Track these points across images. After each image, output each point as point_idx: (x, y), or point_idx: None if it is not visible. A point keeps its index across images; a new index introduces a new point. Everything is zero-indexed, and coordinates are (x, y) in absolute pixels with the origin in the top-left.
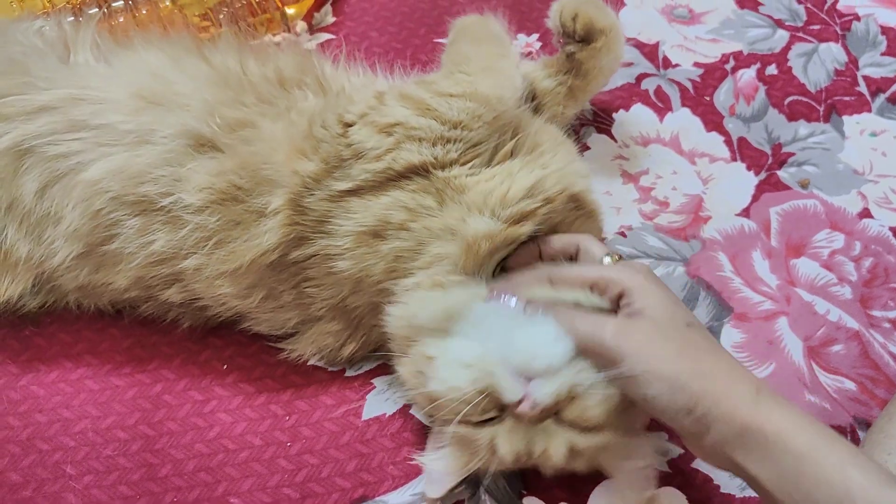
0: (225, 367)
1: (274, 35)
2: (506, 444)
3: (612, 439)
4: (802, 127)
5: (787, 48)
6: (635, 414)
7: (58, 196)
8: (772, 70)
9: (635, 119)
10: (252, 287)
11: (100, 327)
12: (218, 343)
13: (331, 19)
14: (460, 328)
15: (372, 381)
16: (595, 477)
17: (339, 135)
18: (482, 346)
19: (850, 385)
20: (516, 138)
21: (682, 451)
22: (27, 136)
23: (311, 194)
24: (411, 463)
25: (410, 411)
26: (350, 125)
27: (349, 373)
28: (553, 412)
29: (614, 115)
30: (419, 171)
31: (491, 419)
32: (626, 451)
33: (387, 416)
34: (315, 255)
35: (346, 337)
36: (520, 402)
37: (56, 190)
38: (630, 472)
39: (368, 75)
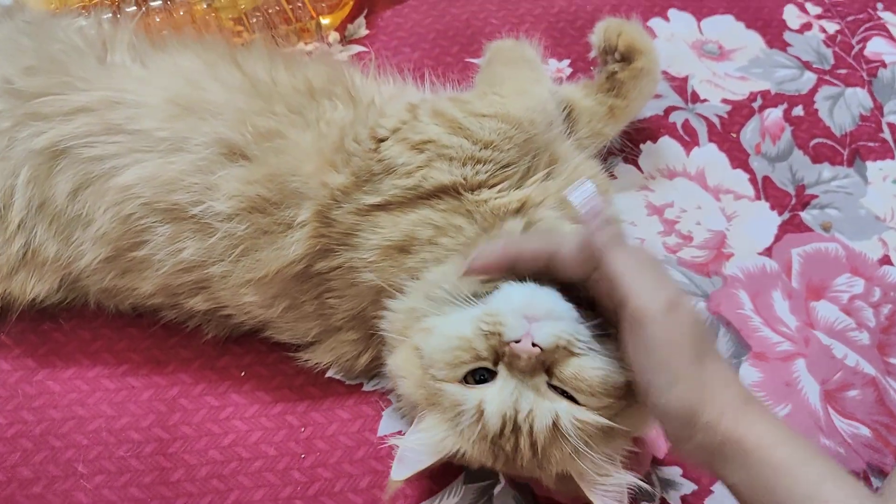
0: (243, 374)
1: (306, 44)
2: (494, 401)
3: (598, 422)
4: (826, 170)
5: (814, 90)
6: (621, 443)
7: (90, 199)
8: (798, 111)
9: (662, 151)
10: (276, 297)
11: (119, 326)
12: (237, 350)
13: (364, 32)
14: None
15: (389, 396)
16: None
17: (371, 150)
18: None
19: (865, 431)
20: (549, 165)
21: (696, 487)
22: (64, 136)
23: (339, 207)
24: (425, 482)
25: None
26: (382, 140)
27: (366, 387)
28: (548, 365)
29: (641, 145)
30: (449, 192)
31: (483, 379)
32: (606, 474)
33: (403, 433)
34: (339, 267)
35: (363, 347)
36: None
37: (89, 193)
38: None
39: (399, 85)
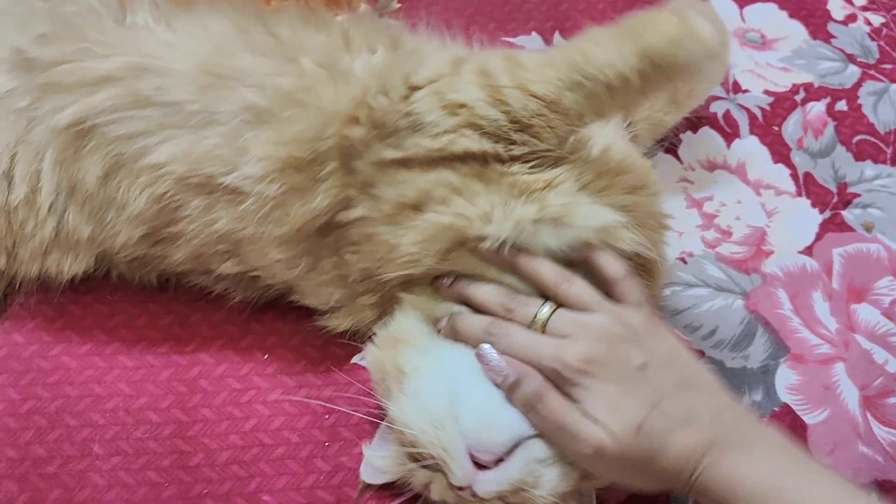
0: (266, 356)
1: (336, 15)
2: (437, 492)
3: None
4: (869, 168)
5: (857, 85)
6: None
7: (123, 182)
8: (841, 106)
9: (703, 142)
10: (300, 255)
11: (139, 300)
12: (260, 330)
13: (395, 5)
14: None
15: None
16: None
17: (402, 98)
18: (447, 393)
19: None
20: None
21: None
22: (89, 111)
23: (360, 157)
24: None
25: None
26: (416, 88)
27: None
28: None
29: (682, 135)
30: (476, 158)
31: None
32: None
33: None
34: (359, 219)
35: (381, 311)
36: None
37: (121, 176)
38: None
39: (448, 45)
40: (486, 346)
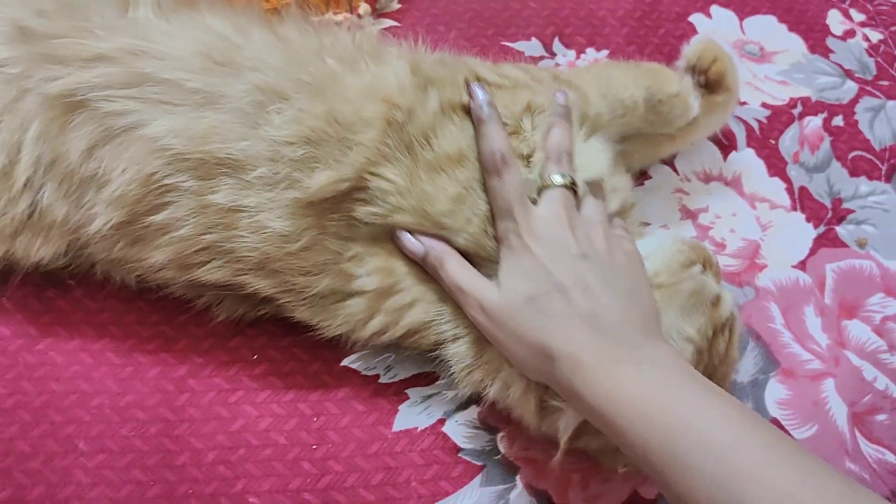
0: (255, 357)
1: (335, 14)
2: None
3: None
4: (864, 184)
5: (854, 100)
6: None
7: (108, 157)
8: (838, 121)
9: (699, 153)
10: (301, 230)
11: (128, 297)
12: (250, 331)
13: (396, 5)
14: None
15: (406, 391)
16: None
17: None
18: None
19: (892, 458)
20: None
21: None
22: (81, 84)
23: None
24: (440, 483)
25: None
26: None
27: (383, 379)
28: None
29: None
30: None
31: None
32: None
33: (418, 430)
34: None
35: (373, 311)
36: None
37: (107, 150)
38: None
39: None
40: (402, 233)
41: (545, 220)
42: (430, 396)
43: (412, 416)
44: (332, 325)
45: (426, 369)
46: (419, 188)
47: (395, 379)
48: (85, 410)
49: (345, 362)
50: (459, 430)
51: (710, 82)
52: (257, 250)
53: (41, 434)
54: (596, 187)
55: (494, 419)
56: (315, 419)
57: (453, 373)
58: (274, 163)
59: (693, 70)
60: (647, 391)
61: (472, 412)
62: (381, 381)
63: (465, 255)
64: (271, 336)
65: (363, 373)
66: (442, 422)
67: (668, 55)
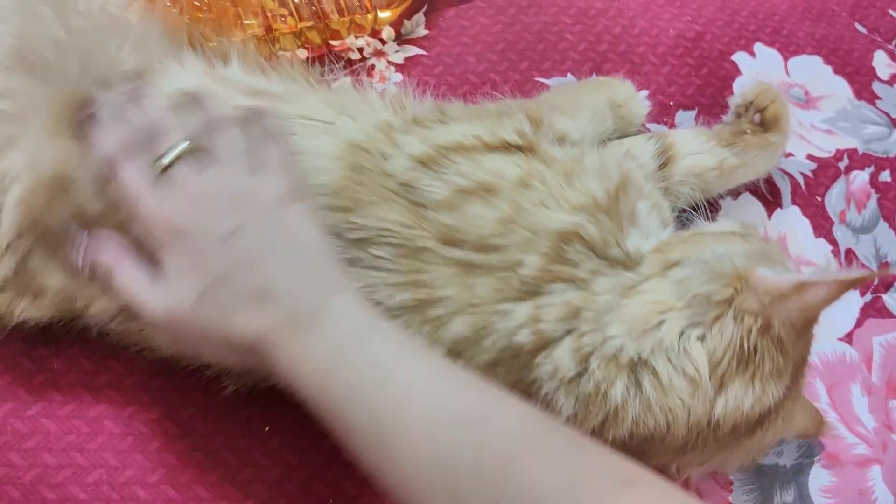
0: (267, 429)
1: (357, 38)
2: None
3: None
4: None
5: None
6: None
7: None
8: (885, 177)
9: (744, 210)
10: None
11: (128, 357)
12: (262, 399)
13: (422, 31)
14: None
15: None
16: None
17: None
18: None
19: None
20: None
21: None
22: None
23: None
24: None
25: None
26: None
27: None
28: None
29: (721, 201)
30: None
31: None
32: None
33: None
34: None
35: None
36: None
37: None
38: None
39: None
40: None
41: (176, 213)
42: None
43: None
44: None
45: None
46: None
47: None
48: (80, 487)
49: None
50: None
51: (766, 121)
52: None
53: None
54: (192, 100)
55: None
56: (331, 501)
57: None
58: None
59: (747, 108)
60: (321, 362)
61: None
62: None
63: None
64: (286, 405)
65: None
66: None
67: (711, 97)
